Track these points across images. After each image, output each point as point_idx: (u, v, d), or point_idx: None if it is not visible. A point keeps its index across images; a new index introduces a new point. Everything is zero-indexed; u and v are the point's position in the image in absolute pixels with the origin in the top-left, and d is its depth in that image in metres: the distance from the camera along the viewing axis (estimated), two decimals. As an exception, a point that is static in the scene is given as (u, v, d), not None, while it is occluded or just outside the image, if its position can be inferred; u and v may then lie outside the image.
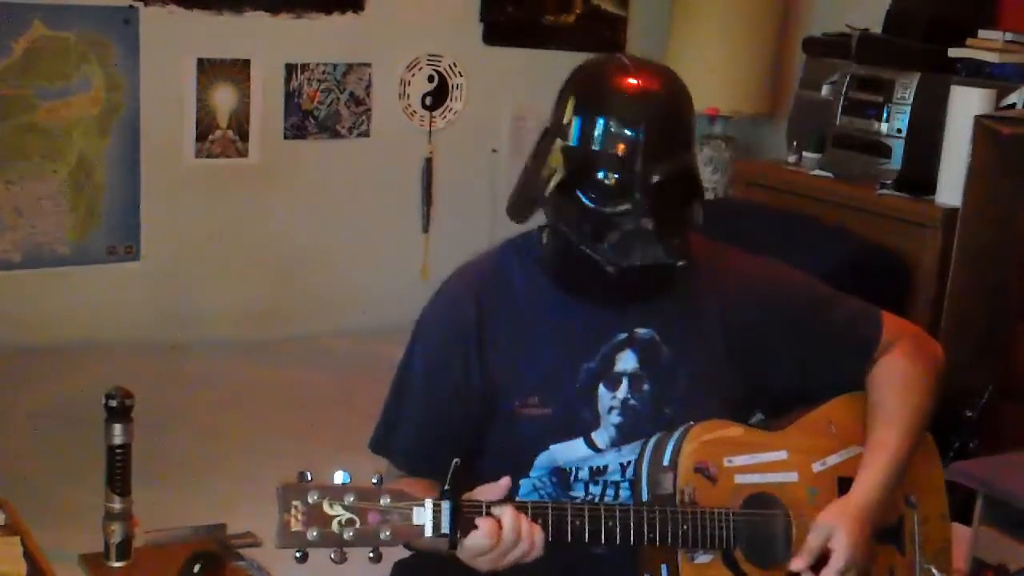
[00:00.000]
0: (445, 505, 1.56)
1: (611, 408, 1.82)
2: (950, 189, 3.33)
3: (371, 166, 4.19)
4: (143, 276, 3.88)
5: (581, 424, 1.82)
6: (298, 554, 1.53)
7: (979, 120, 3.21)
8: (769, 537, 1.79)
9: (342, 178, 4.16)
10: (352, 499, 1.53)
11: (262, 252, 4.07)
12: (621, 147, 1.71)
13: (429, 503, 1.55)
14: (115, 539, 2.23)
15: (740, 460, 1.78)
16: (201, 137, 3.90)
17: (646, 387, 1.83)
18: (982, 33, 3.49)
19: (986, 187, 3.26)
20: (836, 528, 1.75)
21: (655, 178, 1.71)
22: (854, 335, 1.93)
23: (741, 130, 4.31)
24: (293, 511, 1.52)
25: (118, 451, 2.20)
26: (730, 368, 1.86)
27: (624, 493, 1.84)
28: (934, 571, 1.93)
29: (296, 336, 3.99)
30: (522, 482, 1.84)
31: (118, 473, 2.21)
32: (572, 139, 1.76)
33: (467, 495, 1.61)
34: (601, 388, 1.83)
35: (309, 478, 1.53)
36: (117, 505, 2.22)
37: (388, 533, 1.54)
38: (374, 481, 1.56)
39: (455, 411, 1.82)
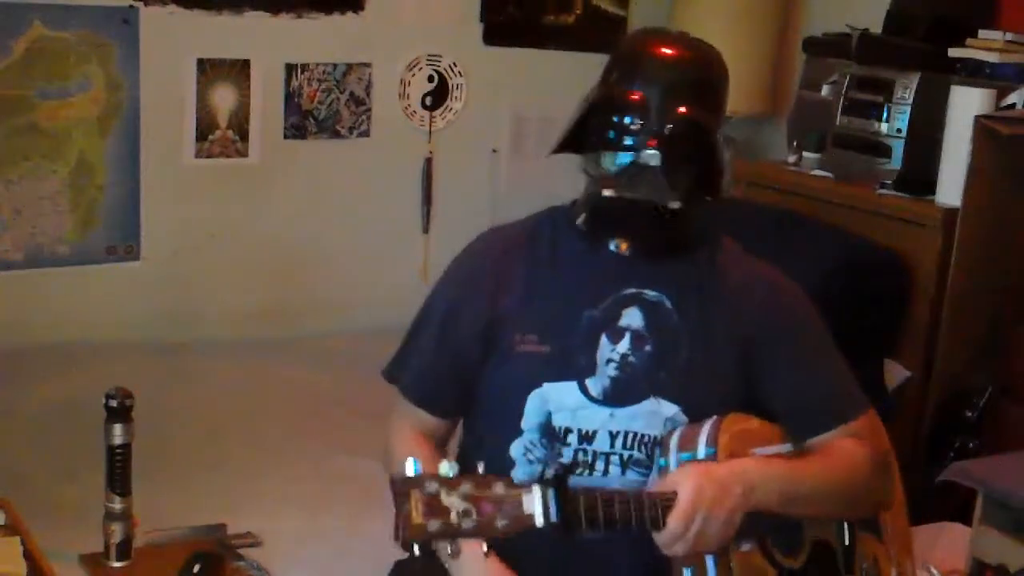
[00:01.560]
0: (551, 492, 1.54)
1: (609, 360, 1.87)
2: (950, 189, 3.33)
3: (371, 166, 4.19)
4: (143, 276, 3.88)
5: (577, 368, 1.87)
6: (419, 549, 1.48)
7: (979, 120, 3.21)
8: (791, 525, 1.85)
9: (342, 178, 4.16)
10: (467, 488, 1.50)
11: (262, 252, 4.06)
12: (641, 93, 1.85)
13: (536, 489, 1.54)
14: (115, 539, 2.24)
15: (763, 451, 1.83)
16: (201, 137, 3.90)
17: (648, 347, 1.88)
18: (982, 33, 3.49)
19: (986, 187, 3.26)
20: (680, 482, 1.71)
21: (668, 125, 1.84)
22: (827, 403, 1.93)
23: (741, 130, 4.31)
24: (413, 502, 1.47)
25: (118, 451, 2.21)
26: (732, 360, 1.90)
27: (614, 469, 1.86)
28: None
29: (296, 336, 3.99)
30: (513, 445, 1.88)
31: (118, 473, 2.22)
32: (601, 85, 1.92)
33: None
34: (603, 338, 1.88)
35: (417, 469, 1.49)
36: (117, 505, 2.23)
37: (505, 522, 1.51)
38: (480, 471, 1.54)
39: (465, 348, 1.91)
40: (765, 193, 3.80)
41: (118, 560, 2.25)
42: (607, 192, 1.86)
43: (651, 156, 1.83)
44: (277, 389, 3.59)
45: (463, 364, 1.93)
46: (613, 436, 1.86)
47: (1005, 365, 3.28)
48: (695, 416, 1.85)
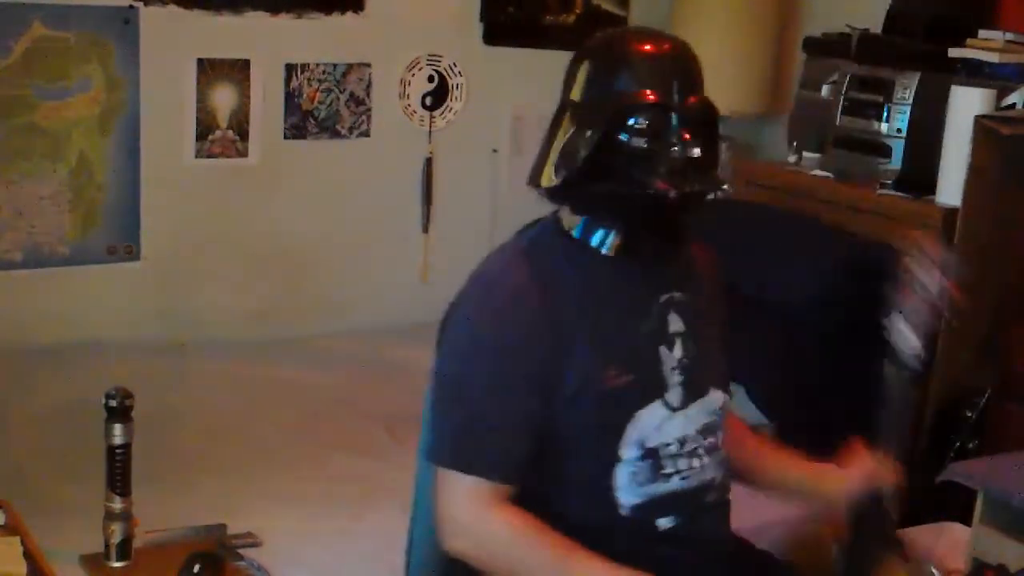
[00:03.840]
0: None
1: (673, 368, 1.90)
2: (950, 189, 3.33)
3: (371, 166, 4.19)
4: (143, 276, 3.88)
5: (659, 386, 1.89)
6: None
7: (979, 120, 3.21)
8: None
9: (342, 178, 4.16)
10: None
11: (262, 252, 4.07)
12: (658, 91, 1.82)
13: None
14: (115, 539, 2.23)
15: None
16: (201, 137, 3.90)
17: (691, 344, 1.92)
18: (982, 33, 3.49)
19: (986, 187, 3.26)
20: None
21: (692, 111, 1.83)
22: None
23: (741, 130, 4.31)
24: None
25: (118, 451, 2.21)
26: (724, 328, 2.01)
27: (707, 459, 1.92)
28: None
29: (296, 336, 3.99)
30: (618, 470, 1.86)
31: (118, 473, 2.21)
32: (602, 97, 1.86)
33: None
34: (662, 349, 1.90)
35: None
36: (117, 505, 2.23)
37: None
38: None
39: (538, 411, 1.82)
40: (765, 193, 3.80)
41: (118, 560, 2.25)
42: (671, 192, 1.80)
43: (691, 148, 1.81)
44: (277, 389, 3.59)
45: (539, 425, 1.84)
46: (699, 433, 1.91)
47: (1005, 365, 3.28)
48: (728, 395, 1.96)
